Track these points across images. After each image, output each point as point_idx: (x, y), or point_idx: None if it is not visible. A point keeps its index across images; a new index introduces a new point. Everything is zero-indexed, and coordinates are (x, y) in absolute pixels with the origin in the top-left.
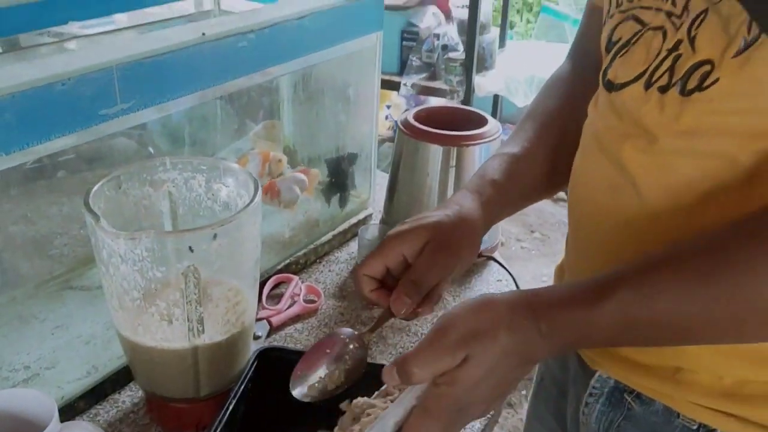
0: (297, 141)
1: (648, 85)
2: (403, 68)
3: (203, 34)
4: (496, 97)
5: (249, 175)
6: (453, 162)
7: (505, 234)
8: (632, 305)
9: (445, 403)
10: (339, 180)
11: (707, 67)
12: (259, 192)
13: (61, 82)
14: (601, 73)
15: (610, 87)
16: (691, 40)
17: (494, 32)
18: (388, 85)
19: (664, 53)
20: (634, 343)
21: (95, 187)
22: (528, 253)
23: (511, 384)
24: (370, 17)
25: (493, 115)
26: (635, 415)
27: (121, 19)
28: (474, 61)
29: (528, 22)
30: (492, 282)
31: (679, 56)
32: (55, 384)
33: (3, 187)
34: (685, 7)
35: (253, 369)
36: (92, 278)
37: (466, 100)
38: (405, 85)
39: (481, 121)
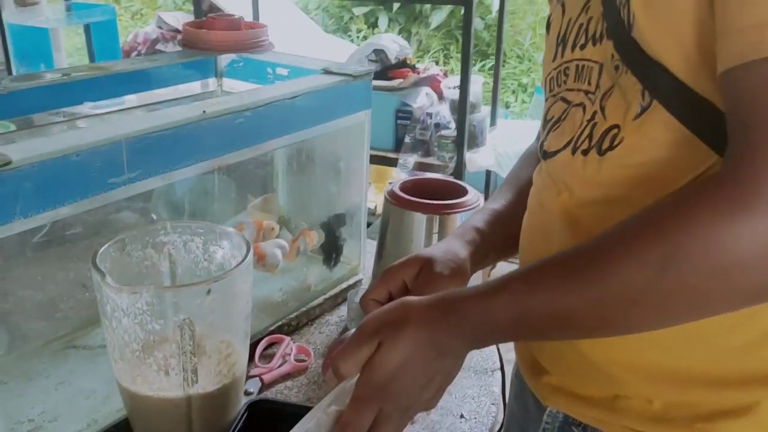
0: (291, 210)
1: (574, 150)
2: (399, 145)
3: (204, 111)
4: (488, 173)
5: (242, 237)
6: (436, 229)
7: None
8: (521, 294)
9: (370, 389)
10: (331, 241)
11: (615, 131)
12: (251, 253)
13: (75, 153)
14: (539, 145)
15: (545, 155)
16: (602, 110)
17: (485, 111)
18: (386, 162)
19: (584, 123)
20: (533, 334)
21: (102, 249)
22: None
23: (437, 376)
24: (359, 97)
25: (485, 188)
26: None
27: (131, 99)
28: (465, 138)
29: (523, 102)
30: None
31: (595, 124)
32: None
33: (16, 254)
34: (597, 85)
35: (243, 419)
36: (94, 338)
37: (458, 175)
38: (401, 162)
39: (462, 192)
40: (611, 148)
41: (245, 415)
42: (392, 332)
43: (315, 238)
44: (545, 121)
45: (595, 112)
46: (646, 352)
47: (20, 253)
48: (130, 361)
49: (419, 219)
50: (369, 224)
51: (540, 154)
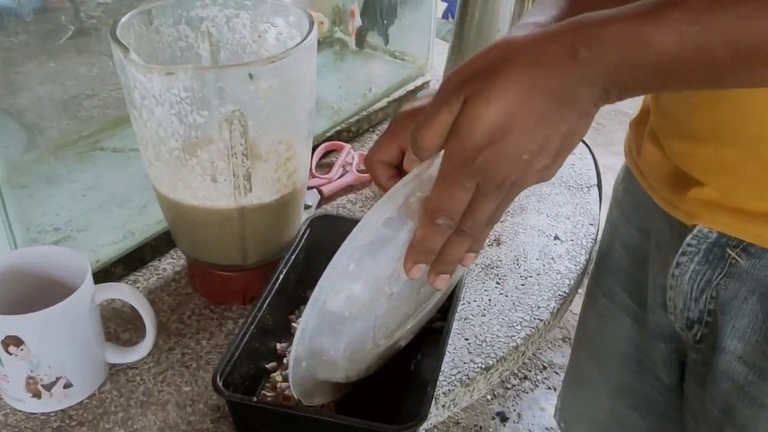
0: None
1: None
2: None
3: None
4: None
5: (303, 12)
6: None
7: None
8: (685, 24)
9: (458, 161)
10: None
11: None
12: (315, 30)
13: None
14: None
15: None
16: None
17: None
18: None
19: None
20: (682, 80)
21: (123, 19)
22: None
23: (553, 138)
24: None
25: None
26: (739, 271)
27: None
28: None
29: None
30: None
31: None
32: (88, 247)
33: (27, 45)
34: None
35: (305, 237)
36: (125, 140)
37: None
38: None
39: None
40: None
41: (307, 232)
42: (483, 81)
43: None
44: None
45: None
46: None
47: (35, 44)
48: (167, 162)
49: (506, 1)
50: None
51: None
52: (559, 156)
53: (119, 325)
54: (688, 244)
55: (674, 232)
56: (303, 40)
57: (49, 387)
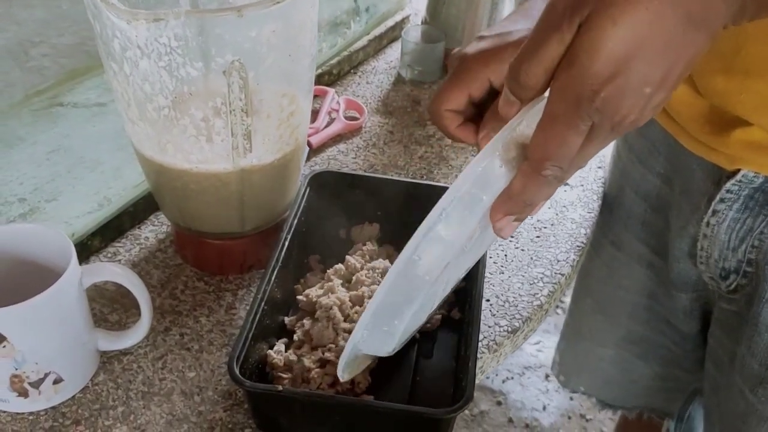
0: None
1: None
2: None
3: None
4: None
5: None
6: None
7: None
8: None
9: (571, 99)
10: None
11: None
12: None
13: None
14: None
15: None
16: None
17: None
18: None
19: None
20: None
21: None
22: None
23: (679, 63)
24: None
25: None
26: None
27: None
28: None
29: None
30: None
31: None
32: (60, 219)
33: None
34: None
35: (305, 198)
36: (86, 93)
37: None
38: None
39: None
40: None
41: (307, 191)
42: (602, 3)
43: None
44: None
45: None
46: None
47: None
48: (154, 122)
49: None
50: None
51: None
52: (674, 89)
53: (104, 306)
54: (728, 191)
55: (708, 178)
56: None
57: (36, 384)
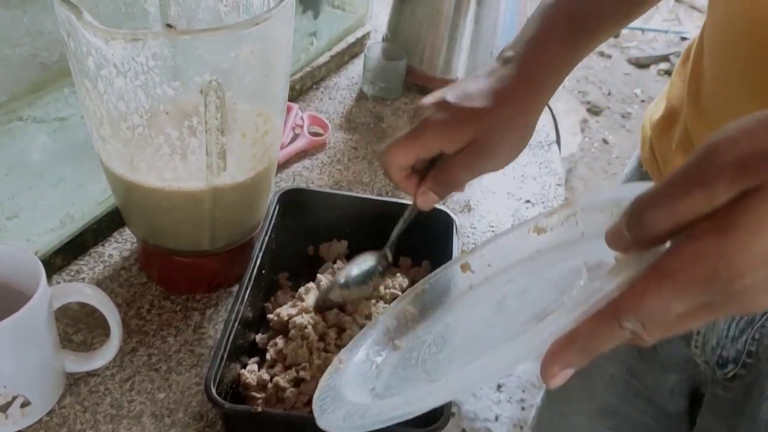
0: None
1: None
2: None
3: None
4: None
5: None
6: None
7: None
8: None
9: (701, 272)
10: None
11: None
12: None
13: None
14: None
15: None
16: None
17: None
18: None
19: None
20: None
21: None
22: None
23: None
24: None
25: None
26: None
27: None
28: None
29: None
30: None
31: None
32: (22, 237)
33: None
34: None
35: (275, 216)
36: (46, 108)
37: None
38: None
39: None
40: None
41: (276, 209)
42: None
43: None
44: None
45: None
46: None
47: None
48: (128, 141)
49: None
50: None
51: None
52: None
53: (68, 326)
54: None
55: None
56: None
57: (4, 408)
